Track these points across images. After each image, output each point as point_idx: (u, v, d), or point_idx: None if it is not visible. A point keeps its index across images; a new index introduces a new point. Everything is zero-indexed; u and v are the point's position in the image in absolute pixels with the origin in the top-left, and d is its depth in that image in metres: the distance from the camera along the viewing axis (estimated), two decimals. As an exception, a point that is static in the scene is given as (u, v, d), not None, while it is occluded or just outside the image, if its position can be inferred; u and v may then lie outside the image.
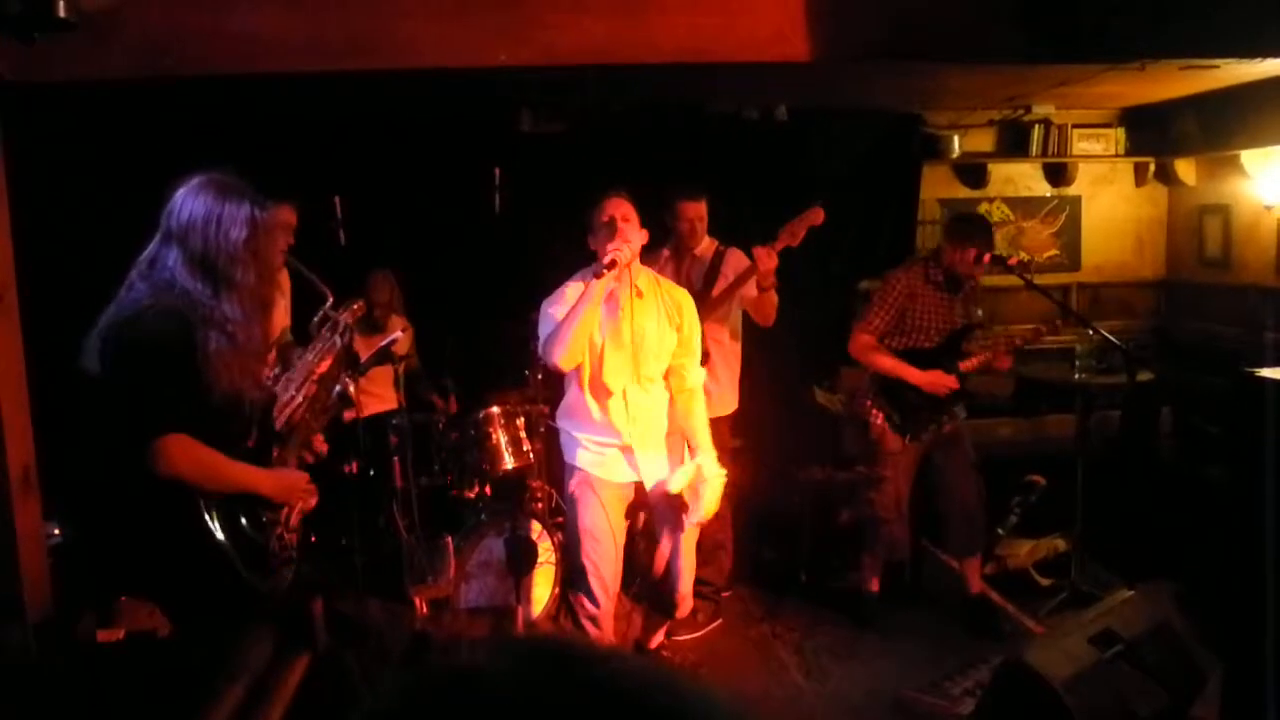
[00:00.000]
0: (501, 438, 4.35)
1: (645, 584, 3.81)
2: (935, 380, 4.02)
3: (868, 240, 5.85)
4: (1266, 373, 2.60)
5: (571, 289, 3.28)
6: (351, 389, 3.55)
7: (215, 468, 2.30)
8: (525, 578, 3.99)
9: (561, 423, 3.52)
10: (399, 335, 4.29)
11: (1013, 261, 4.25)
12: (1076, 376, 4.61)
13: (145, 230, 2.37)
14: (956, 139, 6.02)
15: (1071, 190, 6.43)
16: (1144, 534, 4.51)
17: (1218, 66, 4.35)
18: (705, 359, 3.96)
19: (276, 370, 2.66)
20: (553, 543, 4.20)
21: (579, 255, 3.40)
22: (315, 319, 3.05)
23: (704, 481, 3.32)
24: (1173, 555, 4.06)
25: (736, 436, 4.40)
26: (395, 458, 4.31)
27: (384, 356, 4.13)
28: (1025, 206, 6.42)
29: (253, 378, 2.41)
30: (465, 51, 2.96)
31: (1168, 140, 6.06)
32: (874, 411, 4.17)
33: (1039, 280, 4.85)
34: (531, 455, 4.44)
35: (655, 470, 3.42)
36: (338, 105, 4.70)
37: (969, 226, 4.14)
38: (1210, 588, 2.93)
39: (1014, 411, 5.97)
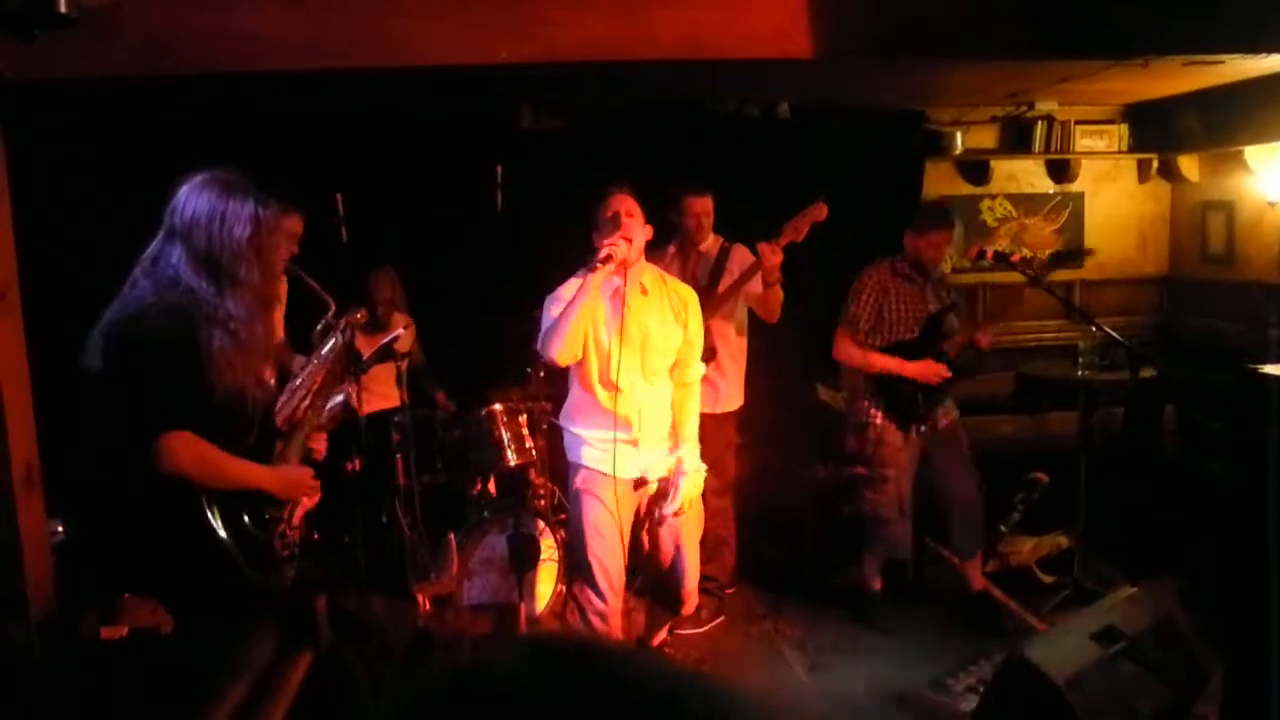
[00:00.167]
0: (504, 435, 4.35)
1: (649, 580, 3.81)
2: (927, 368, 4.10)
3: (869, 237, 5.82)
4: (1269, 369, 2.60)
5: (570, 286, 3.29)
6: (354, 397, 3.55)
7: (218, 465, 2.30)
8: (528, 574, 4.00)
9: (565, 423, 3.52)
10: (401, 333, 4.29)
11: (1015, 259, 4.25)
12: (1079, 373, 4.61)
13: (148, 228, 2.37)
14: (959, 135, 6.00)
15: (1074, 187, 6.41)
16: (1147, 531, 4.50)
17: (1221, 62, 4.33)
18: (713, 355, 3.97)
19: (274, 381, 2.65)
20: (555, 539, 4.21)
21: (580, 252, 3.40)
22: (318, 327, 3.05)
23: (683, 474, 3.35)
24: (1175, 552, 4.06)
25: (740, 434, 4.40)
26: (398, 455, 4.31)
27: (386, 354, 4.13)
28: (1028, 203, 6.41)
29: (255, 376, 2.41)
30: (466, 49, 2.96)
31: (1171, 136, 6.04)
32: (872, 411, 4.19)
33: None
34: (534, 452, 4.45)
35: (660, 466, 3.42)
36: (338, 103, 4.70)
37: (929, 214, 4.30)
38: (1213, 584, 2.92)
39: (1016, 409, 5.95)
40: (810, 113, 5.54)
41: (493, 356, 4.73)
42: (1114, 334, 4.15)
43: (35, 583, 2.66)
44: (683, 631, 4.18)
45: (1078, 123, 6.10)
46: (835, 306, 4.33)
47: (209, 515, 2.28)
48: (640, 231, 3.29)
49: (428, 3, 2.92)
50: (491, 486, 4.52)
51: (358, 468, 4.07)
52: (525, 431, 4.42)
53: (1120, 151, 6.23)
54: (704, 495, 3.70)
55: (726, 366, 4.21)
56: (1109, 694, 2.49)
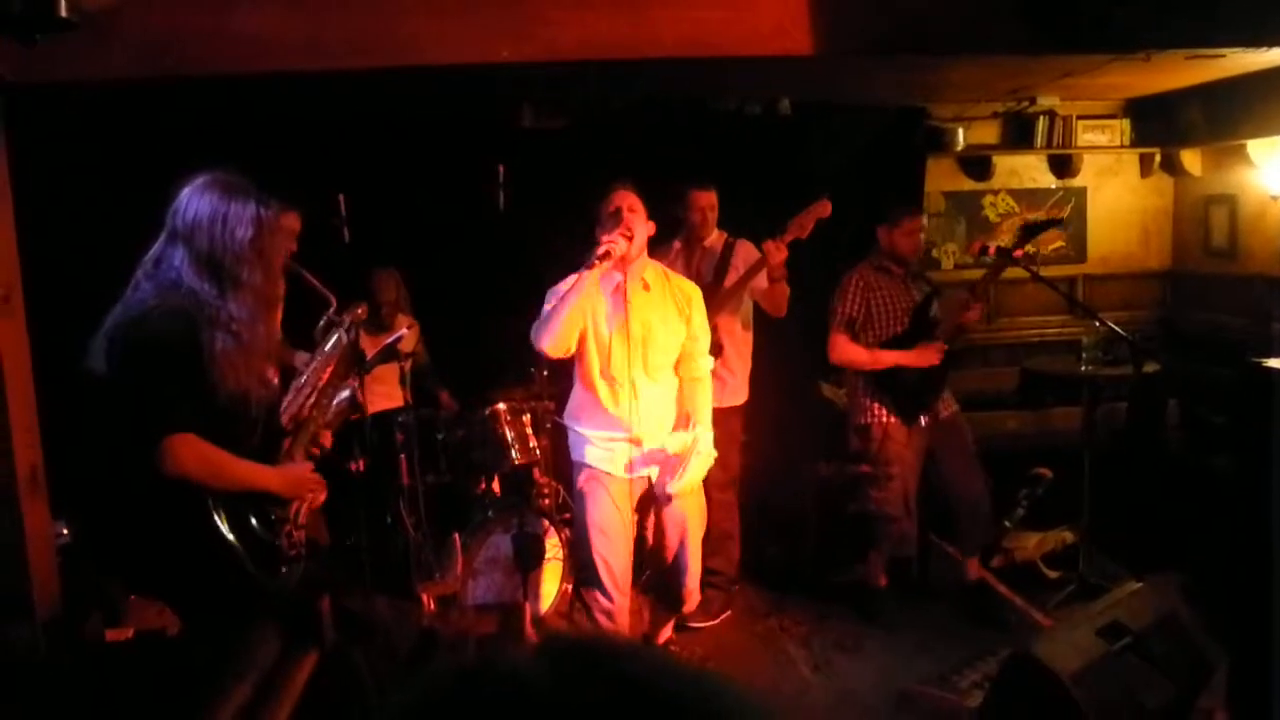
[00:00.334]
0: (508, 434, 4.35)
1: (653, 578, 3.81)
2: (923, 353, 4.11)
3: (871, 234, 5.82)
4: (1273, 363, 2.60)
5: (570, 281, 3.30)
6: (360, 393, 3.56)
7: (222, 467, 2.31)
8: (533, 574, 4.00)
9: (569, 421, 3.53)
10: (404, 333, 4.30)
11: (1018, 254, 4.24)
12: (1083, 368, 4.60)
13: (150, 230, 2.38)
14: (961, 131, 6.00)
15: (1077, 182, 6.40)
16: (1151, 526, 4.50)
17: (1223, 56, 4.32)
18: (719, 352, 3.97)
19: (277, 382, 2.66)
20: (560, 538, 4.21)
21: (583, 251, 3.40)
22: (320, 324, 3.05)
23: (696, 454, 3.33)
24: (1180, 547, 4.06)
25: (744, 430, 4.41)
26: (402, 455, 4.32)
27: (390, 354, 4.14)
28: (1030, 198, 6.40)
29: (258, 377, 2.41)
30: (467, 48, 2.96)
31: (1173, 131, 6.03)
32: (875, 408, 4.20)
33: (1044, 272, 4.83)
34: (538, 451, 4.45)
35: (674, 444, 3.42)
36: (339, 104, 4.70)
37: (895, 205, 4.37)
38: (1217, 579, 2.92)
39: (1020, 404, 5.95)
40: (811, 110, 5.53)
41: (496, 356, 4.73)
42: (1117, 329, 4.15)
43: (40, 584, 2.67)
44: (694, 625, 4.21)
45: (1079, 118, 6.09)
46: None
47: (215, 517, 2.28)
48: (643, 227, 3.30)
49: (428, 3, 2.92)
50: (496, 486, 4.52)
51: (362, 468, 4.08)
52: (529, 431, 4.42)
53: (1122, 146, 6.22)
54: (708, 490, 3.71)
55: (732, 361, 4.22)
56: (1114, 689, 2.48)
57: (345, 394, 2.96)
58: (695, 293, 3.49)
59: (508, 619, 3.88)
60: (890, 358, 4.14)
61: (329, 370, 2.87)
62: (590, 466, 3.43)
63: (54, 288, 3.09)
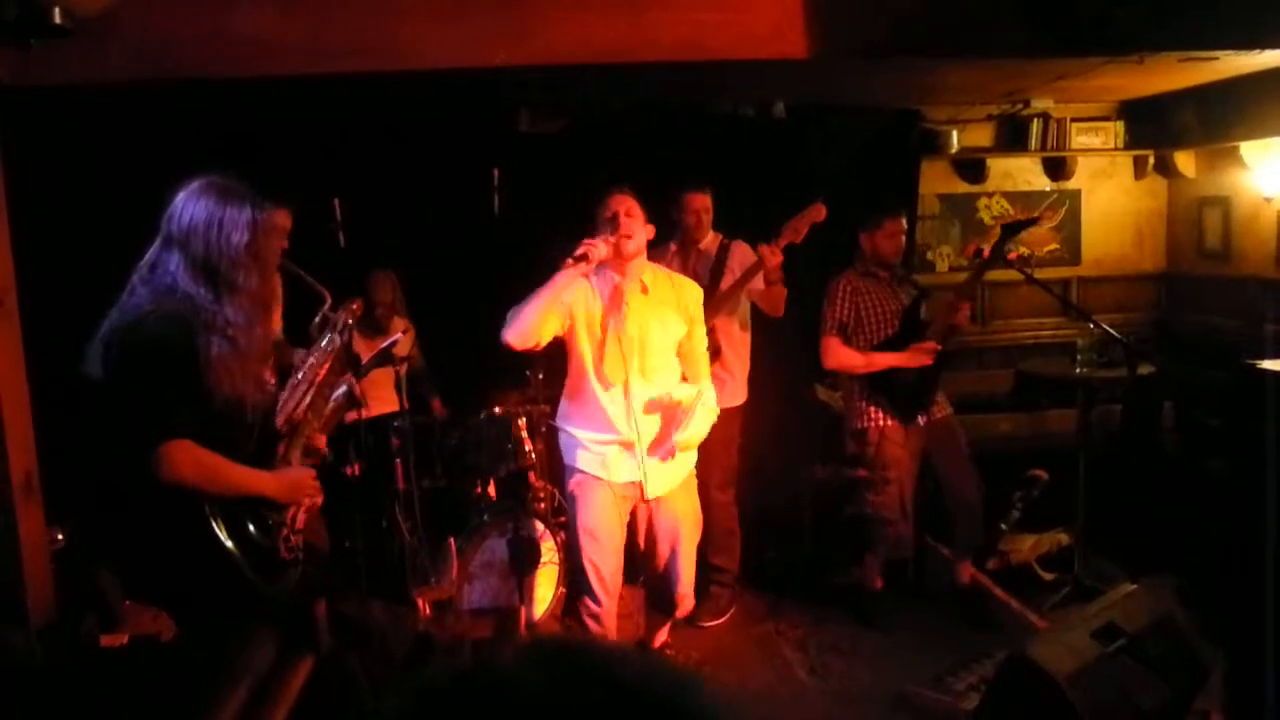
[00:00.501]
0: (503, 438, 4.35)
1: (648, 582, 3.81)
2: (916, 352, 4.12)
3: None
4: (1267, 365, 2.60)
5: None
6: (357, 388, 3.55)
7: (219, 472, 2.30)
8: (528, 578, 3.99)
9: (561, 424, 3.52)
10: (399, 337, 4.29)
11: (1012, 256, 4.26)
12: (1077, 370, 4.61)
13: (145, 234, 2.37)
14: (955, 134, 6.01)
15: (1071, 184, 6.41)
16: (1146, 528, 4.51)
17: (1217, 58, 4.34)
18: (717, 353, 3.98)
19: (274, 383, 2.65)
20: (555, 542, 4.21)
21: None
22: (315, 321, 3.04)
23: (702, 404, 3.32)
24: (1175, 549, 4.07)
25: (741, 433, 4.41)
26: (397, 459, 4.31)
27: (385, 358, 4.13)
28: (1025, 201, 6.41)
29: (254, 381, 2.40)
30: (465, 52, 2.96)
31: (1167, 133, 6.05)
32: (871, 410, 4.21)
33: (1039, 275, 4.84)
34: (533, 455, 4.45)
35: (656, 470, 3.42)
36: (336, 107, 4.70)
37: (875, 208, 4.36)
38: (1212, 581, 2.92)
39: (1015, 406, 5.95)
40: (806, 112, 5.54)
41: (491, 360, 4.72)
42: (1112, 331, 4.16)
43: (35, 589, 2.66)
44: (703, 624, 4.25)
45: (1074, 120, 6.11)
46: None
47: (211, 523, 2.27)
48: (641, 230, 3.31)
49: (425, 6, 2.92)
50: (491, 490, 4.52)
51: (357, 472, 4.07)
52: (524, 434, 4.42)
53: (1116, 148, 6.23)
54: (708, 490, 3.71)
55: (731, 362, 4.24)
56: (1109, 691, 2.49)
57: (342, 390, 2.94)
58: (696, 293, 3.50)
59: (503, 623, 3.88)
60: (884, 359, 4.15)
61: (325, 368, 2.86)
62: (581, 471, 3.43)
63: (50, 292, 3.08)
